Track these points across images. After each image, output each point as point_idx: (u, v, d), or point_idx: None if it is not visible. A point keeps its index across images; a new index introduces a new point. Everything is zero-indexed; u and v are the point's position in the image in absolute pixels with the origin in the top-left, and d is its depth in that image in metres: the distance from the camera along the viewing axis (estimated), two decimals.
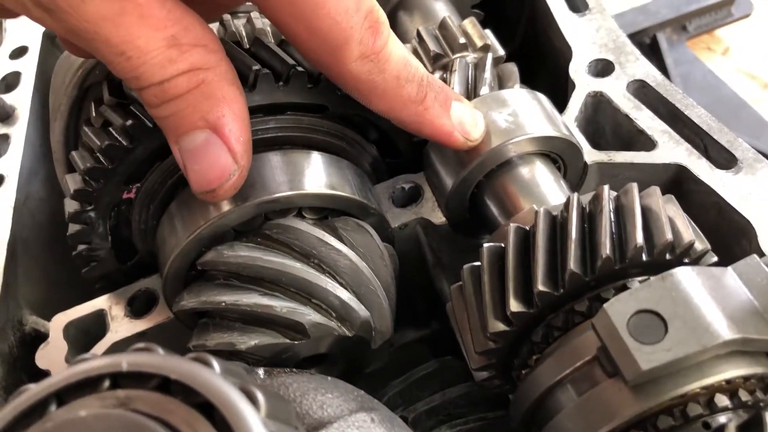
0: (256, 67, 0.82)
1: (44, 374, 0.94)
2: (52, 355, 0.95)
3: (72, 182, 0.89)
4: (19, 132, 1.22)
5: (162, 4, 0.65)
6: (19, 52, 1.35)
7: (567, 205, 0.76)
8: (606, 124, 1.04)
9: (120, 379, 0.54)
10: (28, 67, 1.32)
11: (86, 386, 0.54)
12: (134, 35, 0.63)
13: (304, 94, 0.87)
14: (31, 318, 1.07)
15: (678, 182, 0.93)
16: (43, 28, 1.37)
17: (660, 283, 0.65)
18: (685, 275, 0.65)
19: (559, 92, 1.09)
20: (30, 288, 1.10)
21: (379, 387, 0.97)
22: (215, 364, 0.53)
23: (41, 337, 1.05)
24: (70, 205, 0.90)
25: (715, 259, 0.78)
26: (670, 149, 0.94)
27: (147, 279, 0.99)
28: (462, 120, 0.86)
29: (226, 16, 0.94)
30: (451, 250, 1.00)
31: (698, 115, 0.96)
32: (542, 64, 1.23)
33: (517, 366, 0.79)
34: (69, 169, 0.99)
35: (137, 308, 0.97)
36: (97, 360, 0.54)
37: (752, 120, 1.92)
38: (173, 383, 0.52)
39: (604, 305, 0.65)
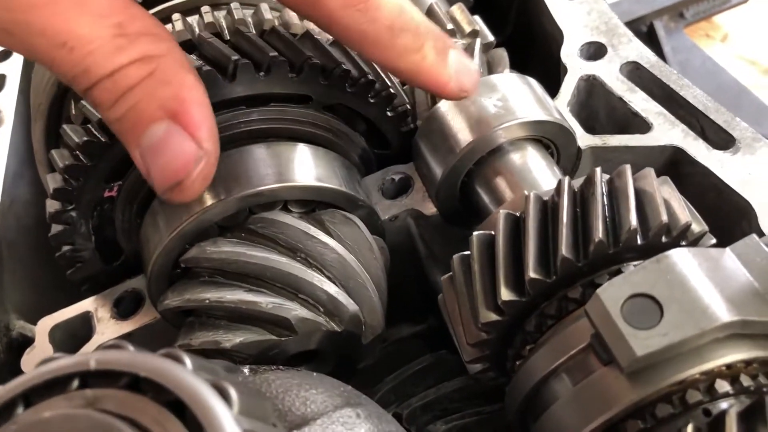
0: (235, 57, 0.80)
1: None
2: (38, 359, 0.93)
3: (52, 181, 0.87)
4: (3, 135, 1.20)
5: None
6: (3, 55, 1.33)
7: (558, 189, 0.73)
8: (600, 108, 1.01)
9: (90, 379, 0.51)
10: (13, 69, 1.30)
11: (55, 386, 0.52)
12: (74, 23, 0.59)
13: (286, 84, 0.85)
14: (18, 323, 1.05)
15: (675, 164, 0.91)
16: None
17: (655, 265, 0.62)
18: (680, 257, 0.63)
19: (552, 79, 1.07)
20: (17, 293, 1.08)
21: (373, 384, 0.95)
22: (187, 360, 0.51)
23: (28, 342, 1.02)
24: (51, 205, 0.88)
25: (714, 241, 0.76)
26: (666, 131, 0.91)
27: (134, 279, 0.97)
28: (459, 70, 0.81)
29: (205, 8, 0.92)
30: (444, 242, 0.97)
31: (694, 95, 0.93)
32: (534, 51, 1.20)
33: (511, 357, 0.76)
34: (51, 169, 0.97)
35: (124, 309, 0.95)
36: (65, 359, 0.52)
37: (753, 106, 1.89)
38: (143, 381, 0.50)
39: (597, 290, 0.62)
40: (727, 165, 0.86)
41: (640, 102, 0.95)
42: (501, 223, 0.73)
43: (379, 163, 1.01)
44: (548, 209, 0.73)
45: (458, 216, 0.94)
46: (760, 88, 1.98)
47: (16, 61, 1.31)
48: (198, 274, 0.83)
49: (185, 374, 0.49)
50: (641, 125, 0.94)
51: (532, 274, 0.69)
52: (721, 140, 0.90)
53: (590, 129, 0.98)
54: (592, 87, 1.00)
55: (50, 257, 1.15)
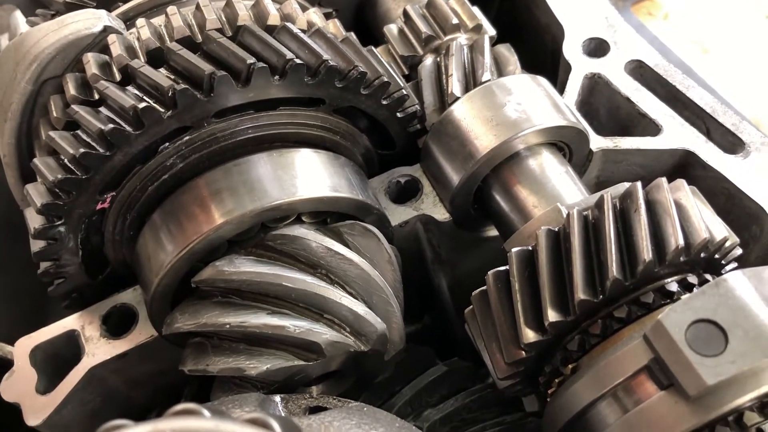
0: (251, 60, 0.73)
1: (12, 408, 0.84)
2: (19, 385, 0.85)
3: (37, 195, 0.78)
4: None
5: None
6: None
7: (599, 205, 0.72)
8: (601, 106, 1.00)
9: None
10: None
11: None
12: None
13: (301, 88, 0.79)
14: None
15: (683, 167, 0.91)
16: None
17: (714, 290, 0.62)
18: (738, 281, 0.62)
19: (543, 71, 1.04)
20: None
21: (383, 394, 0.92)
22: (275, 425, 0.47)
23: (3, 363, 0.94)
24: (35, 220, 0.80)
25: (740, 251, 0.76)
26: (676, 134, 0.91)
27: (121, 293, 0.89)
28: None
29: (172, 9, 0.83)
30: (451, 246, 0.94)
31: (701, 96, 0.93)
32: (521, 41, 1.17)
33: (548, 373, 0.75)
34: (24, 174, 0.88)
35: (113, 327, 0.88)
36: (133, 428, 0.47)
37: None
38: None
39: (660, 317, 0.61)
40: (739, 169, 0.87)
41: (647, 102, 0.94)
42: (543, 241, 0.71)
43: (381, 165, 0.96)
44: (589, 225, 0.72)
45: (469, 220, 0.92)
46: (700, 66, 2.03)
47: None
48: (209, 294, 0.77)
49: None
50: (648, 126, 0.93)
51: (581, 295, 0.67)
52: (728, 143, 0.91)
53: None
54: (595, 85, 0.98)
55: (10, 266, 1.05)
